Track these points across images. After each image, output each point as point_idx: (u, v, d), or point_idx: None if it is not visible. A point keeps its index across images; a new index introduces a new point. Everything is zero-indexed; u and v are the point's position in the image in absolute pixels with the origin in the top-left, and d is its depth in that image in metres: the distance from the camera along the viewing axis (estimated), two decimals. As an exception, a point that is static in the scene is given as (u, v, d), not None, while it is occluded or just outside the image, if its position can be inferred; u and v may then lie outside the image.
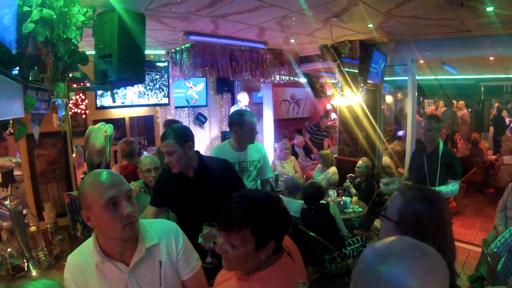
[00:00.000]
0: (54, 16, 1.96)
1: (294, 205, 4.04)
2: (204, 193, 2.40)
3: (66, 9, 2.14)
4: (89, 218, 1.38)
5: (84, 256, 1.46)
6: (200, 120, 7.15)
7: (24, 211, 2.54)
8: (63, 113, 2.51)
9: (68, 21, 2.20)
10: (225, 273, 1.55)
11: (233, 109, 7.35)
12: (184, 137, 2.39)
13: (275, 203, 1.38)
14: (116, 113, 5.86)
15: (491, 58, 6.46)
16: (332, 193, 4.67)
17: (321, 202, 3.96)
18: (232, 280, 1.46)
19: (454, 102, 10.83)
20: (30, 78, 1.92)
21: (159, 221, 1.67)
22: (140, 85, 5.70)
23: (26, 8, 1.77)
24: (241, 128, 3.16)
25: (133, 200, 1.43)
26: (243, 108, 7.07)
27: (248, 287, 1.36)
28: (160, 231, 1.55)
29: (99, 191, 1.34)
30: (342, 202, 4.57)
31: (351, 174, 5.26)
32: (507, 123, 9.52)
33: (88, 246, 1.47)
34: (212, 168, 2.49)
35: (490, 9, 3.41)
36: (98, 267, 1.42)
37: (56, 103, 2.39)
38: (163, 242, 1.52)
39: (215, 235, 1.81)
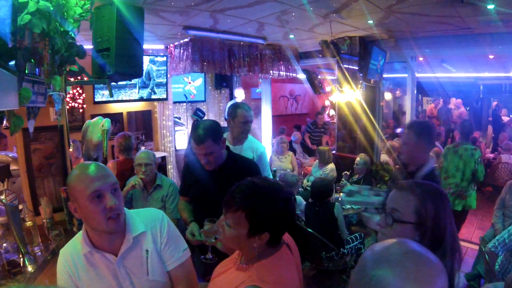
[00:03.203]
0: (51, 8, 1.94)
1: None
2: (222, 188, 2.35)
3: (64, 1, 2.12)
4: (76, 209, 1.39)
5: (75, 247, 1.47)
6: (198, 115, 7.12)
7: (20, 206, 2.52)
8: (60, 106, 2.49)
9: (65, 13, 2.18)
10: (224, 265, 1.56)
11: (229, 104, 7.34)
12: (219, 134, 2.35)
13: (282, 199, 1.37)
14: (114, 108, 5.82)
15: (491, 57, 6.45)
16: (330, 190, 4.66)
17: (328, 199, 3.94)
18: (230, 270, 1.47)
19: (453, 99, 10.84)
20: (26, 71, 1.90)
21: (146, 209, 1.67)
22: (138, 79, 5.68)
23: (22, 0, 1.74)
24: (233, 121, 3.11)
25: (119, 192, 1.43)
26: None
27: (247, 276, 1.36)
28: (147, 219, 1.54)
29: (85, 183, 1.34)
30: (339, 199, 4.56)
31: (346, 172, 5.26)
32: (506, 122, 9.52)
33: (79, 237, 1.48)
34: (237, 166, 2.44)
35: (491, 6, 3.39)
36: (87, 258, 1.43)
37: (53, 96, 2.37)
38: (150, 230, 1.52)
39: (216, 231, 1.80)
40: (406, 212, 1.29)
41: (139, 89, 5.84)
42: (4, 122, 2.04)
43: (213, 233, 1.88)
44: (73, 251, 1.46)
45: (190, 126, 7.09)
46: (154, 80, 5.90)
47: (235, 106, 3.17)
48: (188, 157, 2.80)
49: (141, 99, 5.96)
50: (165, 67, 5.97)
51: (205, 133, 2.25)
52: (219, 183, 2.35)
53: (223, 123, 7.35)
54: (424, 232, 1.25)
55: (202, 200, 2.49)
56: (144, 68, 3.41)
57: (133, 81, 5.72)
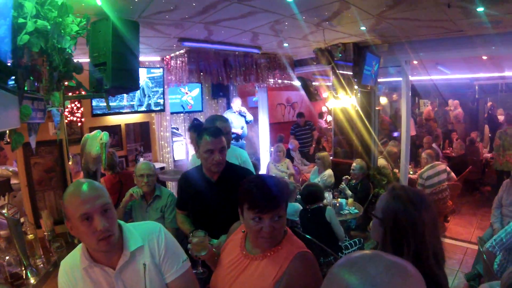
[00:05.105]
0: (49, 27, 1.98)
1: (288, 208, 4.03)
2: (223, 199, 2.38)
3: (60, 20, 2.16)
4: (71, 227, 1.42)
5: (75, 260, 1.49)
6: (197, 125, 7.15)
7: (22, 219, 2.54)
8: (59, 121, 2.53)
9: (62, 31, 2.22)
10: (231, 268, 1.62)
11: (225, 113, 7.38)
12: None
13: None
14: (112, 120, 5.87)
15: (484, 57, 6.51)
16: (328, 195, 4.69)
17: (319, 205, 3.94)
18: (254, 264, 1.57)
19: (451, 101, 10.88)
20: (25, 88, 1.94)
21: (144, 223, 1.68)
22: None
23: (21, 20, 1.79)
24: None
25: (110, 213, 1.43)
26: (236, 112, 7.10)
27: (285, 253, 1.54)
28: (145, 232, 1.56)
29: (74, 206, 1.37)
30: (338, 204, 4.58)
31: (346, 176, 5.28)
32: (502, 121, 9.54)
33: (79, 250, 1.50)
34: (235, 176, 2.40)
35: (480, 9, 3.45)
36: (86, 271, 1.46)
37: (52, 111, 2.41)
38: (148, 244, 1.53)
39: (206, 244, 1.80)
40: (378, 209, 1.50)
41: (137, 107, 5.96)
42: (5, 137, 2.08)
43: (202, 246, 1.79)
44: (73, 264, 1.49)
45: (188, 137, 7.13)
46: (150, 97, 5.98)
47: (209, 119, 3.27)
48: (187, 170, 2.83)
49: (138, 111, 6.02)
50: (162, 88, 6.07)
51: (219, 129, 2.43)
52: (219, 194, 2.39)
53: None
54: (385, 229, 1.43)
55: (202, 212, 2.51)
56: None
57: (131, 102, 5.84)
